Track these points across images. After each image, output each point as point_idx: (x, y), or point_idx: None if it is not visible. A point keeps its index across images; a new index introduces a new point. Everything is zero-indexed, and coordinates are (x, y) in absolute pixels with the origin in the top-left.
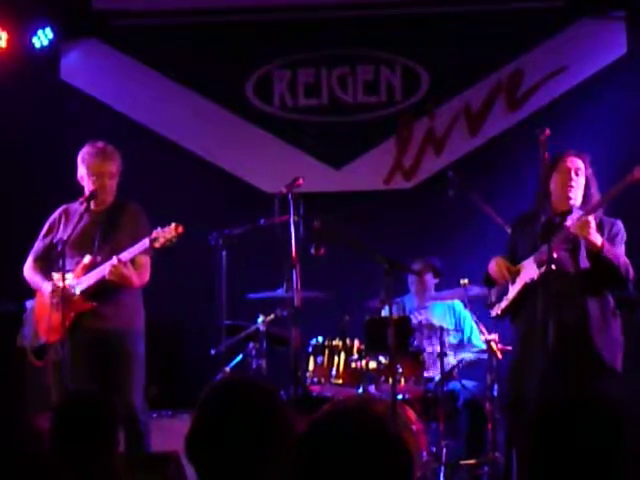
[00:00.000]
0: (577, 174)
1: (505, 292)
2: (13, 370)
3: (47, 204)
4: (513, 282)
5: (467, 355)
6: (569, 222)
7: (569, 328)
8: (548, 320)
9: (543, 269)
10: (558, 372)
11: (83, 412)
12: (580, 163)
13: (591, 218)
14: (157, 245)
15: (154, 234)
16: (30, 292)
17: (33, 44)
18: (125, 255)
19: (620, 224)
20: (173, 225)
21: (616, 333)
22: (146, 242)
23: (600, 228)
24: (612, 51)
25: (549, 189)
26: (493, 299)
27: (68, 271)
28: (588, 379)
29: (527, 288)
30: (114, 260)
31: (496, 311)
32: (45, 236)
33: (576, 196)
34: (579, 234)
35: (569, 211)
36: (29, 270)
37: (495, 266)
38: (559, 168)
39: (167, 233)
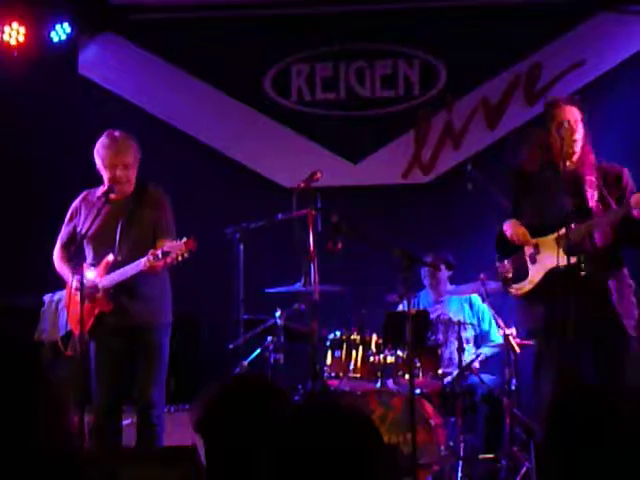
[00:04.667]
0: (576, 125)
1: (524, 271)
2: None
3: (64, 198)
4: (533, 258)
5: (485, 350)
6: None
7: (591, 307)
8: (571, 302)
9: (572, 259)
10: (586, 349)
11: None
12: (576, 112)
13: None
14: (169, 260)
15: (166, 247)
16: (48, 286)
17: (51, 39)
18: (159, 252)
19: (628, 172)
20: (184, 240)
21: (631, 304)
22: (158, 254)
23: (607, 177)
24: (630, 45)
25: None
26: (509, 275)
27: (93, 265)
28: (617, 350)
29: (551, 273)
30: (150, 256)
31: (516, 292)
32: (69, 222)
33: (578, 150)
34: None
35: (575, 169)
36: (58, 260)
37: (513, 230)
38: (556, 120)
39: (177, 248)
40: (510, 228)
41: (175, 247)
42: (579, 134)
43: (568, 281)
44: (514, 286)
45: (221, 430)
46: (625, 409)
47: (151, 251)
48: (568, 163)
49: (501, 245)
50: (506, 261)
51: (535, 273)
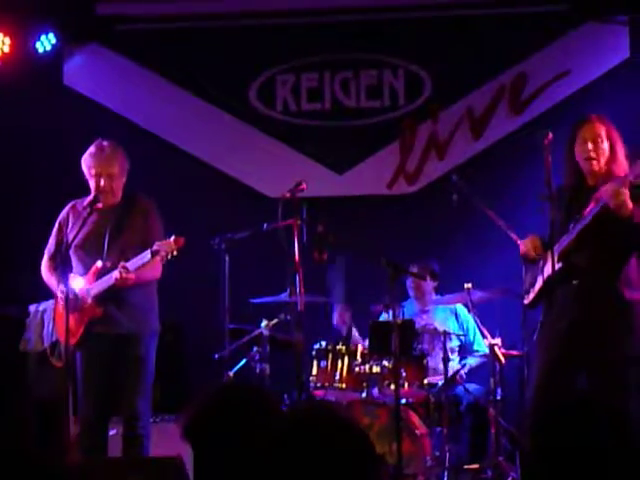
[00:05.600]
0: (596, 142)
1: (535, 280)
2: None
3: (50, 208)
4: (542, 270)
5: (471, 361)
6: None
7: (585, 321)
8: (558, 314)
9: (556, 267)
10: (577, 365)
11: None
12: (601, 128)
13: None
14: (159, 258)
15: (155, 246)
16: (33, 297)
17: (36, 49)
18: (131, 264)
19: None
20: (173, 238)
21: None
22: (148, 255)
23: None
24: (615, 55)
25: (552, 190)
26: (526, 285)
27: (80, 275)
28: (610, 369)
29: (548, 281)
30: (121, 269)
31: (526, 301)
32: (57, 233)
33: (600, 167)
34: (611, 203)
35: (595, 186)
36: (45, 271)
37: (527, 243)
38: (578, 139)
39: (167, 246)
40: (525, 243)
41: (164, 245)
42: (600, 151)
43: (557, 292)
44: (526, 296)
45: (210, 437)
46: (602, 421)
47: (121, 264)
48: (591, 179)
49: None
50: (526, 275)
51: (539, 281)
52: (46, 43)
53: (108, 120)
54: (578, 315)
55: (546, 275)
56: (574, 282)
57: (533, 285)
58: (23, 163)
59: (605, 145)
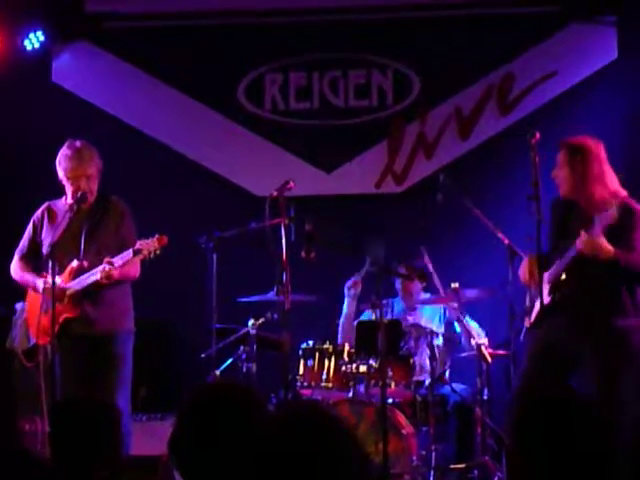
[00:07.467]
0: (556, 169)
1: (533, 302)
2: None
3: (36, 206)
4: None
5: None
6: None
7: (580, 352)
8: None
9: (549, 299)
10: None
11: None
12: (561, 155)
13: (595, 238)
14: (141, 257)
15: (138, 245)
16: (19, 295)
17: (25, 46)
18: (117, 260)
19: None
20: (156, 237)
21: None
22: (130, 253)
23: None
24: (603, 56)
25: (538, 190)
26: (527, 303)
27: (56, 274)
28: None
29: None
30: (106, 264)
31: (527, 324)
32: (30, 233)
33: (565, 192)
34: (585, 252)
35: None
36: (16, 270)
37: (524, 273)
38: None
39: (150, 245)
40: (521, 267)
41: (147, 244)
42: (559, 178)
43: (548, 317)
44: (526, 318)
45: (197, 438)
46: (582, 417)
47: (106, 260)
48: (580, 200)
49: None
50: (527, 294)
51: (536, 305)
52: (34, 40)
53: (96, 118)
54: (573, 345)
55: (543, 300)
56: (568, 310)
57: (532, 307)
58: (10, 160)
59: (564, 171)
